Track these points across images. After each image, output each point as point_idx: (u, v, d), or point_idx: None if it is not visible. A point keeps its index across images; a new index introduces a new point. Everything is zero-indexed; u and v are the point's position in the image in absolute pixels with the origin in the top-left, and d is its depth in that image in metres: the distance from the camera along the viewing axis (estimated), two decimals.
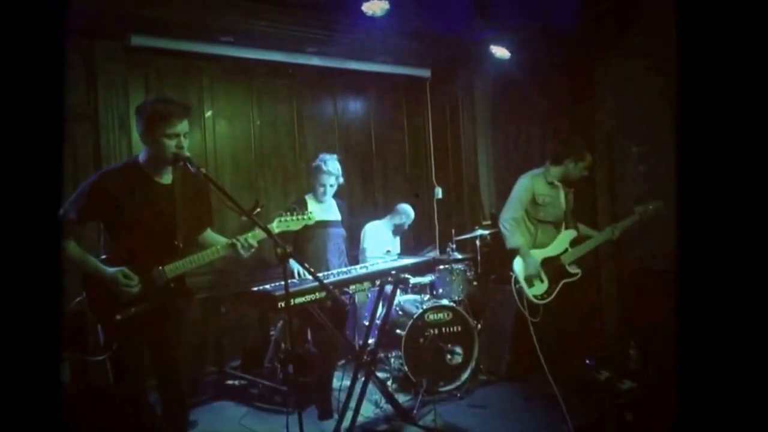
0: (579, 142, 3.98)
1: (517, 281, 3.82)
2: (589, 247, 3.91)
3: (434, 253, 4.87)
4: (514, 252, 3.86)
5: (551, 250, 3.88)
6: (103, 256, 2.48)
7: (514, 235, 3.85)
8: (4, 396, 1.06)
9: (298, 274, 3.58)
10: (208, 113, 4.56)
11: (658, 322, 4.25)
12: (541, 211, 3.91)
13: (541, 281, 3.84)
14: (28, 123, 1.11)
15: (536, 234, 3.94)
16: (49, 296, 1.08)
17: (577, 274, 3.87)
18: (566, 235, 3.92)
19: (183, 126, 2.44)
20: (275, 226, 2.81)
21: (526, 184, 3.93)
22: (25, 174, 1.11)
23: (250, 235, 2.60)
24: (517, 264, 3.85)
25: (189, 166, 2.41)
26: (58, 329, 1.10)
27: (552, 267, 3.85)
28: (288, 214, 2.87)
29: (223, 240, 2.68)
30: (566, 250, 3.88)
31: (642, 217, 3.80)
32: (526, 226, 3.94)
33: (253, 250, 2.61)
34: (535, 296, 3.81)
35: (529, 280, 3.82)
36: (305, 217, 2.91)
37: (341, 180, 3.85)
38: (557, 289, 3.83)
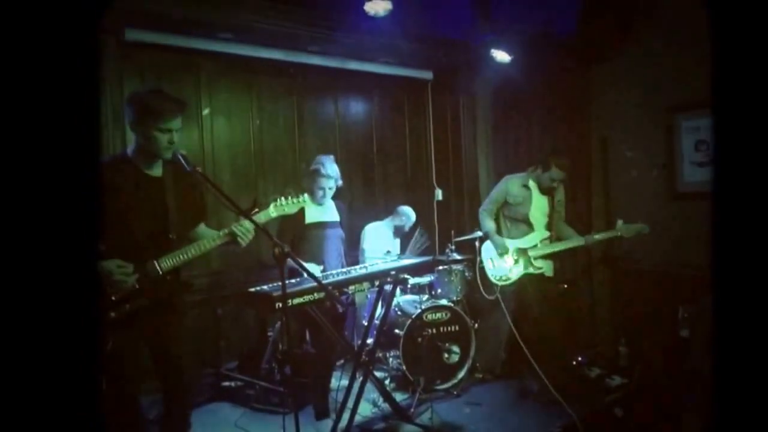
0: (555, 155, 4.16)
1: (481, 261, 4.27)
2: (556, 249, 4.18)
3: (419, 232, 4.94)
4: (486, 237, 4.31)
5: (521, 243, 4.22)
6: None
7: (484, 221, 4.34)
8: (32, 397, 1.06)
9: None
10: (206, 111, 4.48)
11: (646, 319, 4.33)
12: (512, 210, 4.28)
13: (504, 264, 4.21)
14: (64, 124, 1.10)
15: (511, 230, 4.30)
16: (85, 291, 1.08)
17: (540, 268, 4.16)
18: (539, 234, 4.23)
19: (176, 122, 2.42)
20: (272, 211, 2.80)
21: (501, 186, 4.37)
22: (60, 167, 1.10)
23: (247, 222, 2.56)
24: (485, 246, 4.29)
25: (185, 164, 2.37)
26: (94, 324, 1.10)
27: (517, 256, 4.19)
28: (283, 197, 2.86)
29: (217, 233, 2.64)
30: (535, 246, 4.20)
31: (623, 234, 4.03)
32: (504, 224, 4.33)
33: (251, 236, 2.58)
34: (494, 276, 4.21)
35: (492, 261, 4.24)
36: (300, 200, 2.91)
37: (340, 182, 3.82)
38: (518, 276, 4.17)
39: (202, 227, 2.73)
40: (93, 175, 1.12)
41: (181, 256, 2.48)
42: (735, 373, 1.14)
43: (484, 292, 4.27)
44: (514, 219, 4.28)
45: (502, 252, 4.16)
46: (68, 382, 1.07)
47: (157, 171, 2.52)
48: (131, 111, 2.43)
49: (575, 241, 4.15)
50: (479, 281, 4.30)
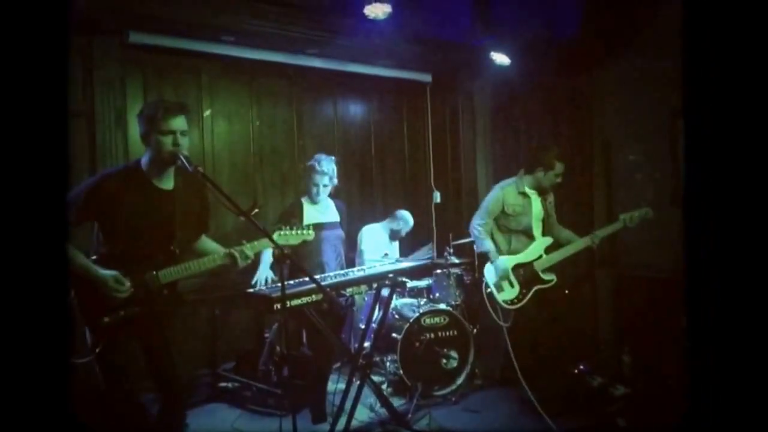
0: (550, 151, 3.99)
1: (487, 286, 3.92)
2: (565, 255, 3.96)
3: (429, 247, 4.97)
4: (485, 257, 3.98)
5: (524, 257, 3.96)
6: (94, 257, 2.45)
7: (482, 240, 3.97)
8: (13, 395, 1.05)
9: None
10: (207, 112, 4.53)
11: (650, 328, 4.29)
12: (512, 221, 4.01)
13: (512, 286, 3.92)
14: (31, 121, 1.10)
15: (510, 242, 4.03)
16: (53, 294, 1.07)
17: (551, 280, 3.94)
18: (541, 242, 4.00)
19: (178, 122, 2.43)
20: (274, 239, 2.81)
21: (496, 196, 4.03)
22: (29, 173, 1.10)
23: (248, 246, 2.61)
24: (488, 269, 3.96)
25: (186, 164, 2.38)
26: (65, 327, 1.10)
27: (524, 273, 3.93)
28: (288, 228, 2.87)
29: (219, 248, 2.68)
30: (540, 257, 3.95)
31: (627, 224, 3.85)
32: (501, 236, 4.04)
33: (249, 261, 2.62)
34: (505, 301, 3.90)
35: (499, 285, 3.91)
36: (305, 232, 2.91)
37: (335, 181, 3.84)
38: (529, 294, 3.91)
39: (204, 239, 2.75)
40: (59, 174, 1.11)
41: (181, 271, 2.51)
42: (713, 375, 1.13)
43: (497, 319, 3.88)
44: (513, 231, 4.02)
45: (503, 277, 3.88)
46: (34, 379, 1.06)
47: (167, 184, 2.53)
48: (139, 122, 2.48)
49: (580, 243, 3.92)
50: (489, 308, 3.91)
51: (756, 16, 1.20)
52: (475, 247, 4.08)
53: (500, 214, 4.01)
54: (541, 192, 4.06)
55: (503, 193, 4.01)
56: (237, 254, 2.58)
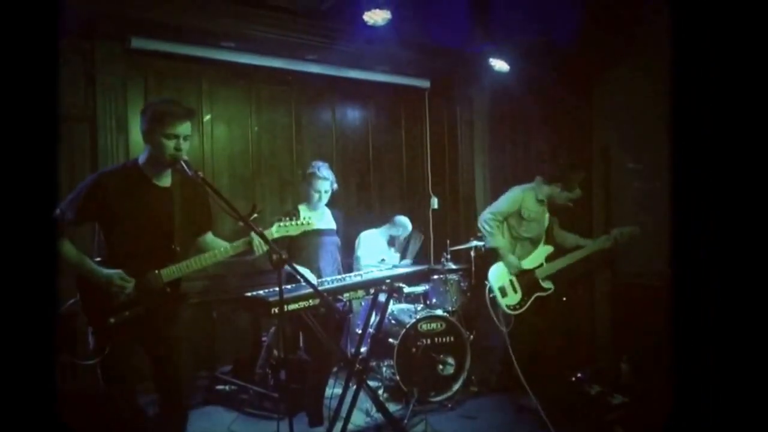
0: (578, 173, 3.98)
1: (491, 290, 3.94)
2: (562, 265, 3.98)
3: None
4: (494, 255, 3.96)
5: (527, 263, 3.98)
6: (98, 258, 2.46)
7: (494, 235, 3.93)
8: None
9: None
10: (207, 117, 4.57)
11: (649, 336, 4.28)
12: (524, 226, 4.00)
13: (515, 292, 3.94)
14: (23, 123, 1.11)
15: (515, 247, 4.03)
16: (44, 297, 1.08)
17: (549, 289, 3.97)
18: (543, 251, 4.02)
19: (184, 128, 2.44)
20: (274, 231, 2.81)
21: (517, 196, 4.01)
22: (20, 174, 1.11)
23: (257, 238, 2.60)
24: (492, 273, 3.96)
25: (186, 169, 2.40)
26: (53, 329, 1.11)
27: (526, 280, 3.95)
28: (287, 219, 2.87)
29: (223, 244, 2.67)
30: (541, 265, 3.97)
31: (618, 240, 3.88)
32: (507, 241, 4.01)
33: (266, 248, 2.56)
34: (508, 306, 3.93)
35: (503, 290, 3.93)
36: (304, 222, 2.91)
37: (335, 186, 3.85)
38: (529, 302, 3.94)
39: (210, 237, 2.74)
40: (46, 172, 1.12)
41: (185, 268, 2.51)
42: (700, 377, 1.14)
43: (499, 324, 3.90)
44: (522, 238, 3.98)
45: (516, 271, 3.87)
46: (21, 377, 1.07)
47: (165, 181, 2.54)
48: (142, 119, 2.48)
49: (595, 244, 3.91)
50: (492, 313, 3.94)
51: (747, 20, 1.21)
52: (485, 243, 4.02)
53: (515, 218, 3.97)
54: (551, 207, 4.03)
55: (524, 196, 3.98)
56: (255, 240, 2.55)
